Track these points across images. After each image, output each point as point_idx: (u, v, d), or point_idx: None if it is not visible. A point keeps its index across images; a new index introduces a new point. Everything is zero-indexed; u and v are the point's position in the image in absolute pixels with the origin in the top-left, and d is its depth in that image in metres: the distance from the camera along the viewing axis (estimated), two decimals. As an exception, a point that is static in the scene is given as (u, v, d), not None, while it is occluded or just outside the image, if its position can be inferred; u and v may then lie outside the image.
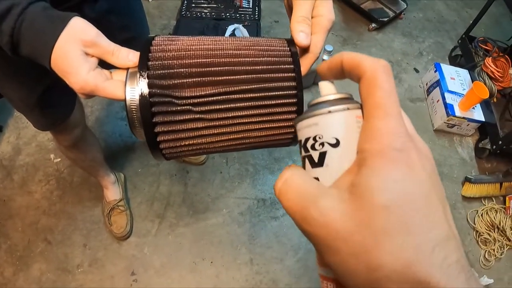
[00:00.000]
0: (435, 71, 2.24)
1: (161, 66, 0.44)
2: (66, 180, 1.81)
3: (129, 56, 0.47)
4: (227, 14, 2.17)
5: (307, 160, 0.28)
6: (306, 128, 0.29)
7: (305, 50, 0.50)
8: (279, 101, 0.46)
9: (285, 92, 0.46)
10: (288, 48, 0.48)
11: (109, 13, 0.95)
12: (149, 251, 1.65)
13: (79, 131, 1.24)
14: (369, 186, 0.23)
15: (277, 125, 0.47)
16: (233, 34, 1.99)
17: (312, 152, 0.28)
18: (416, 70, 2.49)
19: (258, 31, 2.07)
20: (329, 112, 0.28)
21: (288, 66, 0.47)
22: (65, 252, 1.63)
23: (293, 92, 0.46)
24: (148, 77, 0.42)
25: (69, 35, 0.46)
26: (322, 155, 0.27)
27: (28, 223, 1.69)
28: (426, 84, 2.35)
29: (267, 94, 0.45)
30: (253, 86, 0.45)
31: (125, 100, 0.43)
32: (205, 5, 2.23)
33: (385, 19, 2.61)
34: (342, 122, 0.27)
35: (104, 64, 0.50)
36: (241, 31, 2.01)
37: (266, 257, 1.66)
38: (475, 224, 1.85)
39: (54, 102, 1.03)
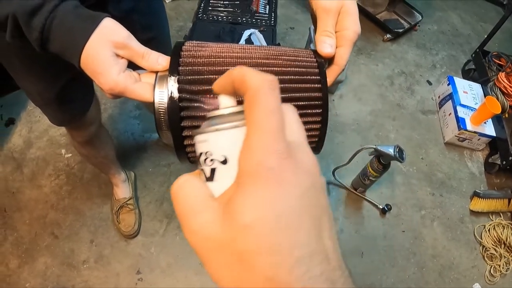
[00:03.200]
0: (448, 84, 2.24)
1: (191, 72, 0.45)
2: (76, 176, 1.82)
3: (159, 60, 0.48)
4: (243, 19, 2.18)
5: (202, 173, 0.28)
6: (199, 143, 0.29)
7: (331, 62, 0.51)
8: (305, 111, 0.47)
9: (311, 103, 0.47)
10: (315, 59, 0.50)
11: (133, 12, 0.95)
12: (156, 250, 1.65)
13: (94, 128, 1.25)
14: (236, 204, 0.23)
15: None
16: (249, 39, 1.99)
17: (204, 167, 0.28)
18: (429, 83, 2.49)
19: (273, 37, 2.07)
20: (217, 130, 0.28)
21: (315, 77, 0.48)
22: (71, 247, 1.63)
23: (319, 102, 0.47)
24: (178, 82, 0.43)
25: (101, 35, 0.47)
26: (213, 171, 0.28)
27: (36, 216, 1.70)
28: (439, 96, 2.34)
29: (294, 103, 0.46)
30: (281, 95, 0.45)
31: (153, 102, 0.44)
32: (222, 8, 2.23)
33: (400, 30, 2.62)
34: (230, 140, 0.27)
35: (131, 65, 0.50)
36: (257, 36, 2.02)
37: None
38: (482, 239, 1.84)
39: (72, 98, 1.03)
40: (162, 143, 1.89)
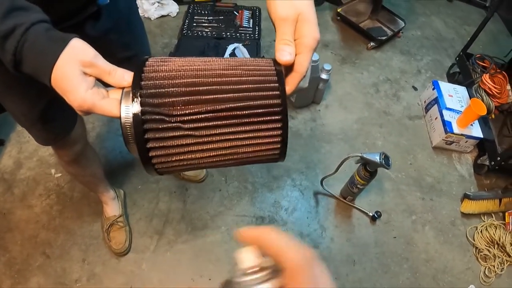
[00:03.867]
0: (433, 89, 2.26)
1: (153, 86, 0.46)
2: (66, 195, 1.82)
3: (125, 76, 0.50)
4: (228, 34, 2.21)
5: None
6: None
7: (291, 69, 0.52)
8: (264, 118, 0.48)
9: (270, 110, 0.48)
10: (274, 67, 0.50)
11: (111, 32, 0.97)
12: (147, 267, 1.65)
13: (80, 146, 1.26)
14: None
15: (263, 141, 0.49)
16: (233, 54, 2.02)
17: None
18: (415, 88, 2.51)
19: (258, 50, 2.09)
20: None
21: (273, 85, 0.49)
22: (63, 267, 1.63)
23: (278, 109, 0.48)
24: (141, 96, 0.45)
25: (69, 55, 0.48)
26: None
27: (27, 236, 1.69)
28: (424, 101, 2.37)
29: (253, 111, 0.48)
30: (239, 104, 0.47)
31: (120, 117, 0.45)
32: (206, 24, 2.27)
33: (384, 38, 2.64)
34: None
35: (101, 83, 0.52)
36: (241, 50, 2.04)
37: (264, 275, 1.66)
38: (474, 241, 1.85)
39: (55, 117, 1.04)
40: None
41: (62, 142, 1.16)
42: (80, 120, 1.19)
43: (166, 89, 0.46)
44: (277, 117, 0.48)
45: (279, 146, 0.51)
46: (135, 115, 0.45)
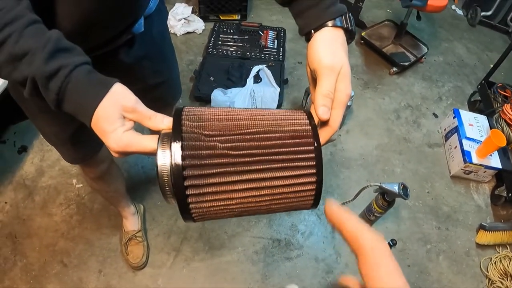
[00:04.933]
0: (454, 117, 2.25)
1: (194, 138, 0.46)
2: (87, 206, 1.85)
3: (164, 121, 0.51)
4: (253, 54, 2.22)
5: None
6: None
7: (325, 123, 0.53)
8: (299, 172, 0.49)
9: (305, 163, 0.49)
10: (308, 122, 0.51)
11: (144, 59, 0.99)
12: (163, 282, 1.67)
13: (106, 165, 1.29)
14: None
15: (297, 195, 0.50)
16: (257, 75, 2.03)
17: None
18: (435, 115, 2.50)
19: (282, 71, 2.11)
20: None
21: (308, 140, 0.50)
22: (80, 276, 1.65)
23: (312, 163, 0.49)
24: (182, 149, 0.45)
25: (111, 100, 0.50)
26: None
27: (45, 244, 1.72)
28: (445, 129, 2.36)
29: (289, 164, 0.48)
30: (277, 157, 0.48)
31: (156, 165, 0.45)
32: (231, 43, 2.29)
33: (406, 63, 2.64)
34: None
35: None
36: (265, 72, 2.06)
37: (277, 297, 1.67)
38: (488, 272, 1.83)
39: (85, 138, 1.06)
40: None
41: (89, 161, 1.19)
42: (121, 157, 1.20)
43: (208, 143, 0.47)
44: (312, 171, 0.49)
45: (312, 199, 0.51)
46: (176, 169, 0.44)
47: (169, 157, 0.45)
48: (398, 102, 2.54)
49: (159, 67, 1.09)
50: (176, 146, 0.45)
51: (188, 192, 0.46)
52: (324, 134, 0.53)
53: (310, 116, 0.52)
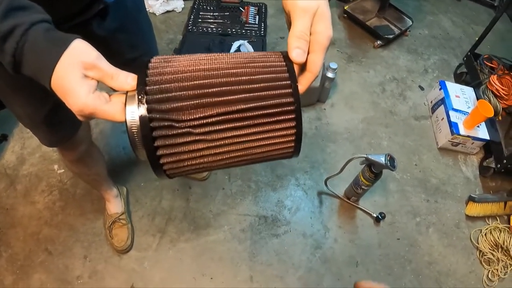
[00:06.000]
0: (440, 89, 2.23)
1: (159, 91, 0.45)
2: (69, 192, 1.82)
3: (128, 80, 0.47)
4: (233, 30, 2.19)
5: None
6: None
7: (304, 68, 0.50)
8: (278, 118, 0.47)
9: (283, 109, 0.47)
10: (284, 63, 0.49)
11: (118, 32, 0.95)
12: (149, 265, 1.65)
13: (84, 147, 1.25)
14: None
15: (277, 140, 0.48)
16: (238, 50, 2.00)
17: None
18: (421, 88, 2.49)
19: (263, 47, 2.07)
20: None
21: (285, 82, 0.47)
22: (65, 263, 1.63)
23: (291, 108, 0.47)
24: (147, 102, 0.43)
25: (70, 57, 0.46)
26: None
27: (29, 232, 1.69)
28: (431, 102, 2.34)
29: (266, 111, 0.46)
30: (251, 105, 0.45)
31: (125, 122, 0.44)
32: (212, 20, 2.24)
33: (391, 36, 2.62)
34: None
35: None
36: (246, 47, 2.02)
37: (266, 275, 1.66)
38: (478, 244, 1.83)
39: (60, 119, 1.03)
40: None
41: (67, 143, 1.15)
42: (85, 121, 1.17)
43: (173, 93, 0.45)
44: (291, 116, 0.47)
45: (293, 144, 0.50)
46: (143, 123, 0.43)
47: (136, 111, 0.44)
48: (383, 75, 2.52)
49: (136, 40, 1.06)
50: (141, 100, 0.44)
51: (157, 143, 0.44)
52: (303, 81, 0.50)
53: (286, 58, 0.50)
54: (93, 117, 0.48)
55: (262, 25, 2.23)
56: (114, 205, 1.69)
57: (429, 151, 2.16)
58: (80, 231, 1.71)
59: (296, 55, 0.48)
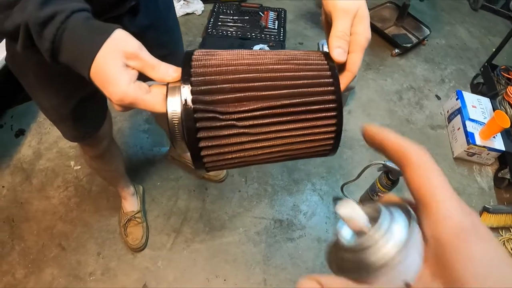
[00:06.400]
0: (457, 99, 2.22)
1: (204, 82, 0.44)
2: (85, 188, 1.82)
3: (169, 71, 0.47)
4: (253, 34, 2.20)
5: None
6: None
7: (343, 68, 0.50)
8: (319, 115, 0.47)
9: (325, 106, 0.47)
10: (326, 62, 0.49)
11: (148, 29, 0.96)
12: (163, 264, 1.64)
13: (106, 143, 1.26)
14: (463, 270, 0.24)
15: (317, 137, 0.48)
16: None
17: None
18: (438, 97, 2.48)
19: (282, 51, 2.08)
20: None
21: (328, 80, 0.47)
22: (78, 259, 1.63)
23: (333, 105, 0.47)
24: (192, 93, 0.43)
25: (112, 46, 0.46)
26: None
27: (43, 227, 1.70)
28: (447, 111, 2.33)
29: (307, 108, 0.46)
30: (294, 101, 0.45)
31: (166, 113, 0.43)
32: (231, 24, 2.25)
33: (409, 45, 2.62)
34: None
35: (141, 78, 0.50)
36: (266, 50, 2.03)
37: (280, 278, 1.65)
38: (491, 256, 1.81)
39: (86, 115, 1.04)
40: (170, 157, 1.90)
41: (90, 139, 1.16)
42: (108, 117, 1.18)
43: (218, 86, 0.44)
44: (332, 113, 0.47)
45: (332, 142, 0.49)
46: (187, 113, 0.43)
47: (179, 102, 0.43)
48: (401, 84, 2.51)
49: (164, 39, 1.06)
50: (186, 90, 0.43)
51: (200, 135, 0.44)
52: (343, 80, 0.50)
53: (327, 57, 0.50)
54: (132, 107, 0.47)
55: (282, 30, 2.24)
56: (130, 203, 1.69)
57: (444, 160, 2.15)
58: (94, 227, 1.72)
59: (338, 55, 0.48)
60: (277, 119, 0.46)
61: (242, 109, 0.44)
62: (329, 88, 0.47)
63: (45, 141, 1.97)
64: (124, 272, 1.62)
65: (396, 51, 2.63)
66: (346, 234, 0.29)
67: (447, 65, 2.70)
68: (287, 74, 0.47)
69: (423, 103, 2.42)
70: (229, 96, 0.44)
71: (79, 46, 0.47)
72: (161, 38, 1.04)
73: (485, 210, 1.92)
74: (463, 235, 0.24)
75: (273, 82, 0.46)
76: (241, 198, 1.86)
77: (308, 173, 1.99)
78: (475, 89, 2.50)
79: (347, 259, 0.28)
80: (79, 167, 1.88)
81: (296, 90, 0.46)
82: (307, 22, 2.75)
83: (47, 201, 1.77)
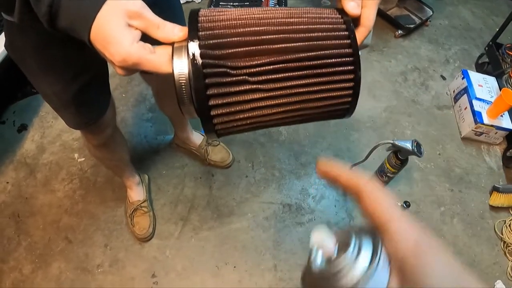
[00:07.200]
0: (463, 78, 2.20)
1: (213, 36, 0.42)
2: (90, 180, 1.81)
3: (175, 31, 0.45)
4: (253, 20, 2.18)
5: None
6: None
7: (357, 23, 0.49)
8: (336, 69, 0.45)
9: (342, 59, 0.45)
10: (341, 16, 0.48)
11: (153, 6, 0.94)
12: (171, 253, 1.63)
13: (110, 130, 1.24)
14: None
15: (334, 94, 0.46)
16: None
17: None
18: (443, 77, 2.45)
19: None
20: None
21: (343, 33, 0.46)
22: (85, 252, 1.62)
23: (350, 59, 0.45)
24: (200, 47, 0.40)
25: (113, 5, 0.44)
26: None
27: (49, 221, 1.69)
28: (453, 91, 2.30)
29: (324, 61, 0.44)
30: (310, 54, 0.43)
31: (172, 73, 0.41)
32: (231, 6, 2.23)
33: (412, 26, 2.59)
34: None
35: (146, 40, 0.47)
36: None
37: (290, 264, 1.63)
38: (502, 235, 1.79)
39: (89, 100, 1.02)
40: (175, 144, 1.88)
41: (93, 126, 1.13)
42: (111, 104, 1.16)
43: (228, 39, 0.42)
44: (349, 68, 0.45)
45: (349, 99, 0.47)
46: (195, 69, 0.40)
47: (186, 61, 0.40)
48: (405, 65, 2.48)
49: (169, 18, 1.04)
50: (193, 45, 0.40)
51: (210, 91, 0.41)
52: (358, 35, 0.48)
53: (341, 12, 0.48)
54: (136, 69, 0.45)
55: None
56: (136, 193, 1.68)
57: (452, 140, 2.12)
58: (100, 219, 1.70)
59: (352, 8, 0.47)
60: (291, 74, 0.43)
61: (254, 63, 0.42)
62: (346, 41, 0.45)
63: (48, 135, 1.95)
64: (132, 262, 1.60)
65: (399, 32, 2.60)
66: (318, 259, 0.32)
67: (451, 46, 2.67)
68: (301, 27, 0.45)
69: (428, 84, 2.40)
70: (240, 49, 0.42)
71: (79, 7, 0.44)
72: (165, 17, 1.02)
73: (495, 189, 1.90)
74: (418, 251, 0.27)
75: (286, 35, 0.43)
76: (248, 184, 1.84)
77: (316, 156, 1.96)
78: (480, 68, 2.47)
79: (319, 283, 0.31)
80: (83, 159, 1.87)
81: (311, 43, 0.44)
82: (308, 6, 2.70)
83: (52, 195, 1.76)
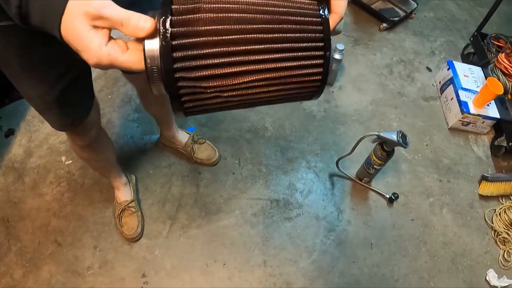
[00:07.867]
0: (448, 69, 2.21)
1: (184, 13, 0.43)
2: (77, 182, 1.80)
3: (140, 24, 0.43)
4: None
5: None
6: None
7: (329, 10, 0.50)
8: (307, 53, 0.46)
9: (312, 44, 0.46)
10: (316, 2, 0.49)
11: (133, 6, 0.93)
12: (160, 253, 1.63)
13: (94, 131, 1.23)
14: None
15: (305, 71, 0.47)
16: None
17: None
18: (429, 69, 2.46)
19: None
20: None
21: (316, 19, 0.47)
22: (75, 254, 1.61)
23: (321, 44, 0.47)
24: (171, 25, 0.42)
25: (74, 9, 0.43)
26: None
27: (38, 225, 1.68)
28: (439, 82, 2.32)
29: (295, 45, 0.45)
30: (280, 35, 0.45)
31: (146, 70, 0.42)
32: None
33: (396, 19, 2.60)
34: None
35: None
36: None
37: (279, 259, 1.63)
38: (493, 224, 1.80)
39: (72, 101, 1.01)
40: (161, 144, 1.88)
41: (78, 127, 1.13)
42: (95, 104, 1.16)
43: (198, 15, 0.43)
44: (319, 53, 0.47)
45: (318, 84, 0.49)
46: (165, 42, 0.41)
47: (157, 40, 0.42)
48: (390, 58, 2.49)
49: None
50: (165, 22, 0.41)
51: (178, 74, 0.42)
52: (330, 21, 0.50)
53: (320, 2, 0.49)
54: (113, 68, 0.46)
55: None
56: (123, 193, 1.67)
57: (439, 131, 2.13)
58: (89, 221, 1.70)
59: None
60: (260, 57, 0.44)
61: (224, 37, 0.42)
62: (317, 27, 0.47)
63: (35, 138, 1.94)
64: (121, 263, 1.60)
65: (384, 25, 2.61)
66: None
67: (437, 37, 2.68)
68: (272, 9, 0.45)
69: (414, 76, 2.41)
70: (210, 27, 0.42)
71: (45, 8, 0.44)
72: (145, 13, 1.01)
73: (483, 178, 1.91)
74: None
75: (256, 15, 0.44)
76: (235, 180, 1.84)
77: (302, 151, 1.97)
78: (466, 59, 2.49)
79: None
80: (71, 161, 1.86)
81: (284, 25, 0.45)
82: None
83: (41, 199, 1.75)
